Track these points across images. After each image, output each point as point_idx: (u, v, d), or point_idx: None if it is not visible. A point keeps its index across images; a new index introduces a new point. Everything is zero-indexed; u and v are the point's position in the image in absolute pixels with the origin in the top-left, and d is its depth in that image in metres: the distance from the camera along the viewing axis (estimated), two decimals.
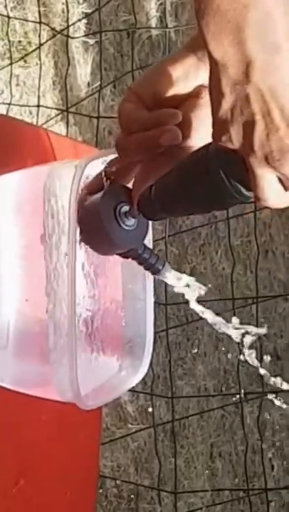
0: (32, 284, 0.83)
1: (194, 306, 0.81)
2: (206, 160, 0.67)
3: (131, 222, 0.78)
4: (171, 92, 0.72)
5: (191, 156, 0.70)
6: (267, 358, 0.86)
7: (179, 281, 0.82)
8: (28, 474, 0.99)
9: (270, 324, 2.26)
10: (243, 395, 1.97)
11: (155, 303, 0.91)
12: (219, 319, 0.82)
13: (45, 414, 0.99)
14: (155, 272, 0.82)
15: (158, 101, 0.72)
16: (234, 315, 1.96)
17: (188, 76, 0.72)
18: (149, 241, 0.89)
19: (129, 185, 0.79)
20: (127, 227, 0.78)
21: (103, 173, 0.79)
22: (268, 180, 0.62)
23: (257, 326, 2.09)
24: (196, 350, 2.21)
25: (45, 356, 0.82)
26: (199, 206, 0.72)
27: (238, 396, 2.03)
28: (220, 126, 0.61)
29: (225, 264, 2.30)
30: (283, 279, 2.33)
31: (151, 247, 0.87)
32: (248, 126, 0.60)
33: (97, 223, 0.77)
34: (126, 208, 0.78)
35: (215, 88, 0.60)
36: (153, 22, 2.39)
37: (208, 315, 0.82)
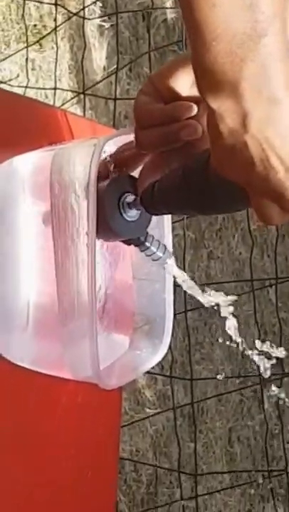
0: (51, 263, 0.83)
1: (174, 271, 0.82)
2: (207, 169, 0.67)
3: (134, 213, 0.78)
4: (189, 91, 0.71)
5: (196, 159, 0.69)
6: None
7: (179, 270, 0.82)
8: (49, 453, 0.99)
9: (287, 309, 2.25)
10: (261, 380, 1.96)
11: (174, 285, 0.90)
12: (194, 285, 0.81)
13: (67, 395, 0.99)
14: (155, 258, 0.82)
15: (175, 97, 0.71)
16: (254, 298, 1.94)
17: None
18: (168, 221, 0.89)
19: (136, 174, 0.78)
20: (129, 218, 0.78)
21: (110, 160, 0.79)
22: (267, 206, 0.62)
23: (277, 310, 2.06)
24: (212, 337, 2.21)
25: (66, 336, 0.82)
26: (198, 209, 0.72)
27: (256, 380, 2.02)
28: (218, 160, 0.62)
29: (242, 248, 2.29)
30: None
31: (169, 229, 0.87)
32: (248, 165, 0.59)
33: (100, 211, 0.77)
34: (130, 199, 0.78)
35: (213, 129, 0.60)
36: (168, 3, 2.37)
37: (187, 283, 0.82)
